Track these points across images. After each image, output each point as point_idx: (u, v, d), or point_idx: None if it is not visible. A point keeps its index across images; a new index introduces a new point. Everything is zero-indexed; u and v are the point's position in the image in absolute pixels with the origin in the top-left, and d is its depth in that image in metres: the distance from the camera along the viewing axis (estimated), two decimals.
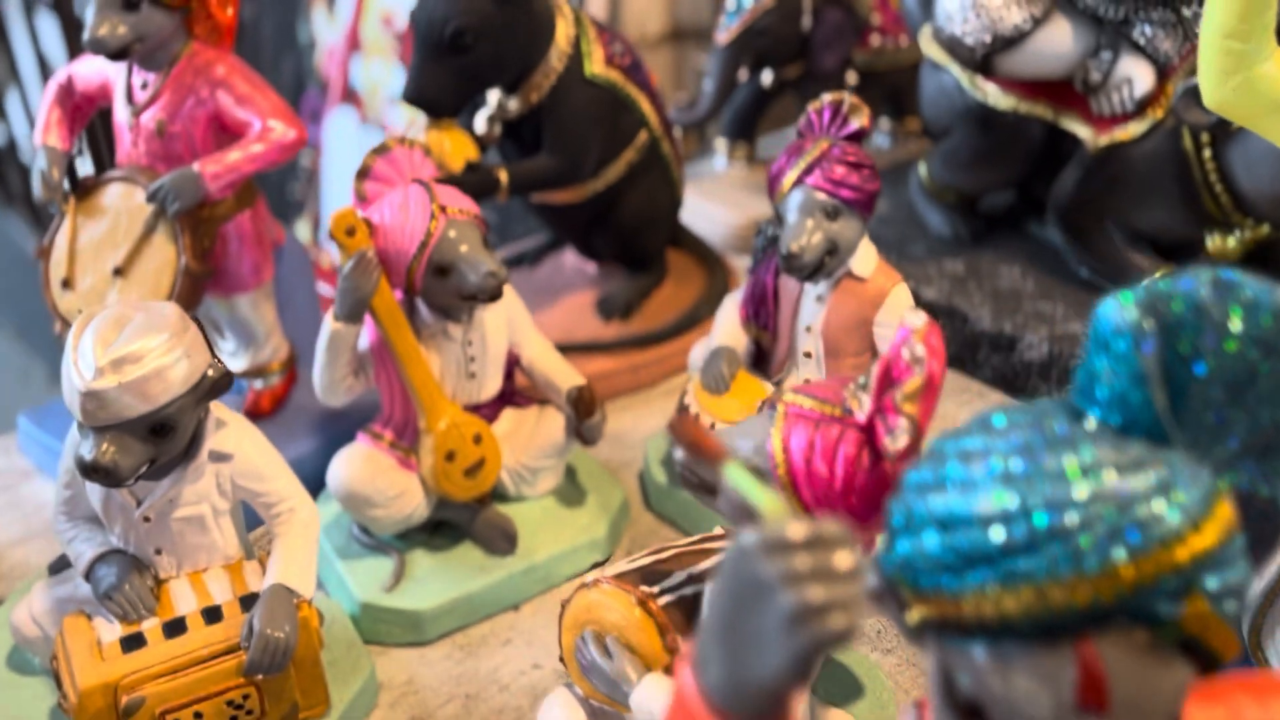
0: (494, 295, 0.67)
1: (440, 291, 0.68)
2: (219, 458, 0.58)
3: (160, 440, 0.55)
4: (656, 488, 0.79)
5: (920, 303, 0.96)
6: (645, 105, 0.89)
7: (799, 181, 0.71)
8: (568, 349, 0.90)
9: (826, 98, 0.73)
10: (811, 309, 0.75)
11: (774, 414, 0.49)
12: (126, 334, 0.54)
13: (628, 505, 0.78)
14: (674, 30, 1.76)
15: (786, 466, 0.47)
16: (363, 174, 0.68)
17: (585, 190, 0.90)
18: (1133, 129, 0.86)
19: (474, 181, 0.81)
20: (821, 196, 0.71)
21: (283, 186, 2.10)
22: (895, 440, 0.44)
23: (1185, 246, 0.94)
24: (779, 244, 0.72)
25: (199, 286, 0.74)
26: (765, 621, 0.30)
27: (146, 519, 0.58)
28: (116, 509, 0.59)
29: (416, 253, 0.66)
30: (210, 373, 0.56)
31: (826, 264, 0.72)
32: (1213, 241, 0.88)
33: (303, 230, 2.07)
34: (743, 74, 1.12)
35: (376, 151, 0.69)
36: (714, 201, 1.17)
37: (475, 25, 0.78)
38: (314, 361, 0.69)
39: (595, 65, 0.85)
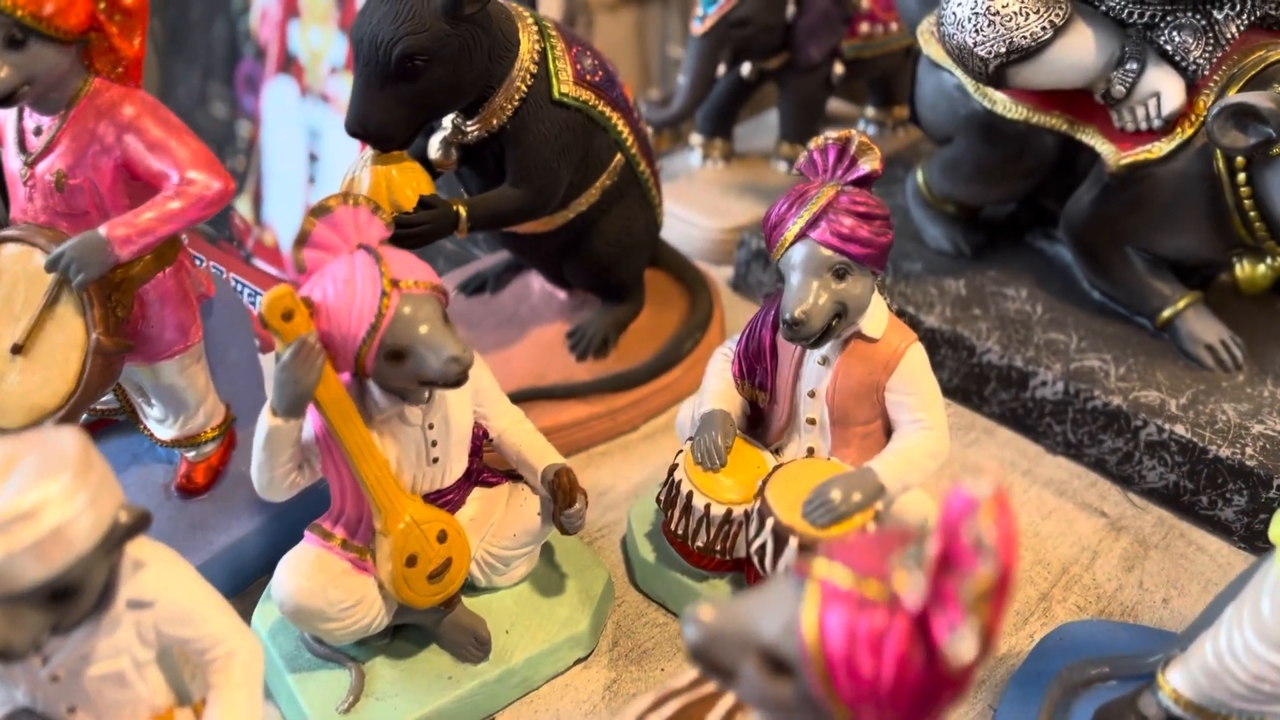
0: (457, 382, 0.58)
1: (395, 376, 0.59)
2: (138, 605, 0.49)
3: (63, 605, 0.46)
4: (643, 565, 0.71)
5: (921, 332, 0.88)
6: (620, 125, 0.79)
7: (802, 235, 0.63)
8: (537, 395, 0.82)
9: (830, 136, 0.64)
10: (815, 372, 0.67)
11: (803, 586, 0.41)
12: (15, 482, 0.44)
13: (612, 587, 0.70)
14: None
15: (822, 655, 0.39)
16: (301, 241, 0.58)
17: (555, 220, 0.81)
18: (1159, 148, 0.78)
19: (428, 220, 0.71)
20: (828, 253, 0.62)
21: (221, 162, 1.97)
22: (959, 646, 0.36)
23: (1210, 269, 0.86)
24: (780, 306, 0.64)
25: (114, 365, 0.64)
26: None
27: (55, 678, 0.50)
28: (19, 668, 0.50)
29: (366, 337, 0.57)
30: (123, 518, 0.47)
31: (834, 328, 0.63)
32: (1241, 268, 0.81)
33: (243, 206, 1.95)
34: (720, 68, 1.03)
35: (315, 213, 0.59)
36: (690, 205, 1.08)
37: (426, 47, 0.68)
38: (252, 456, 0.60)
39: (564, 84, 0.75)
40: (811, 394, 0.67)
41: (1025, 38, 0.76)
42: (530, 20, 0.75)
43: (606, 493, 0.80)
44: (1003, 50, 0.76)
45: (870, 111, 1.18)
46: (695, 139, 1.12)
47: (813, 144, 0.65)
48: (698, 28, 1.01)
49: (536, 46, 0.74)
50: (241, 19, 1.86)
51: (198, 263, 0.72)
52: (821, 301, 0.62)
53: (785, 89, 1.08)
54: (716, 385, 0.70)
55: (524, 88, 0.73)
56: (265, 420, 0.58)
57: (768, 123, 1.21)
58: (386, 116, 0.70)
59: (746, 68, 1.06)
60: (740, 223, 1.05)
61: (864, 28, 1.05)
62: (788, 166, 1.11)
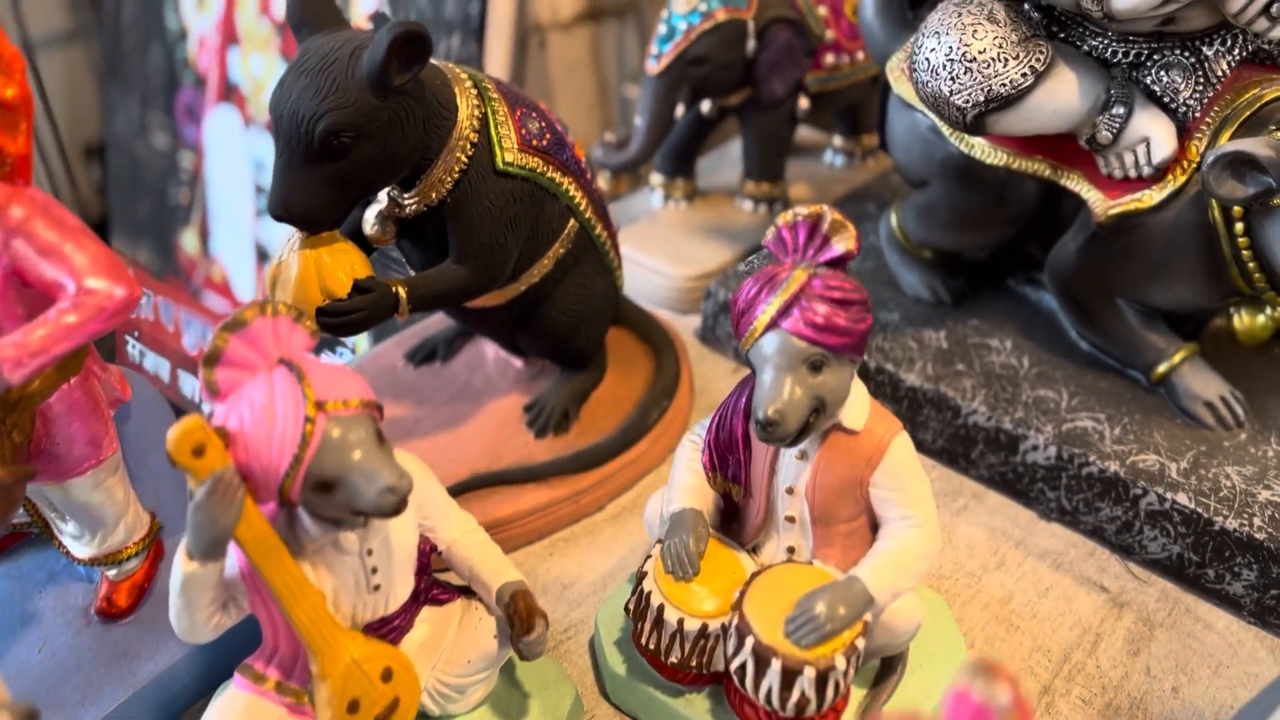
0: (394, 512, 0.52)
1: (325, 506, 0.52)
2: None
3: None
4: (613, 676, 0.65)
5: (902, 391, 0.83)
6: (572, 190, 0.73)
7: (773, 324, 0.57)
8: (493, 481, 0.76)
9: (800, 212, 0.58)
10: (793, 467, 0.61)
11: None
12: None
13: (580, 703, 0.65)
14: (590, 9, 1.58)
15: None
16: (212, 360, 0.52)
17: (505, 293, 0.74)
18: (1150, 196, 0.73)
19: (364, 306, 0.65)
20: (802, 345, 0.56)
21: (164, 193, 1.89)
22: None
23: (1205, 314, 0.82)
24: (752, 404, 0.58)
25: (14, 494, 0.58)
26: None
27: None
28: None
29: (289, 469, 0.50)
30: None
31: (812, 425, 0.58)
32: (1239, 319, 0.76)
33: (190, 240, 1.87)
34: (679, 109, 0.97)
35: (229, 328, 0.52)
36: (652, 251, 1.02)
37: (352, 123, 0.61)
38: (170, 600, 0.54)
39: (508, 153, 0.68)
40: (789, 490, 0.61)
41: (1005, 85, 0.70)
42: (469, 83, 0.68)
43: (572, 586, 0.74)
44: (981, 99, 0.71)
45: (838, 141, 1.13)
46: (655, 179, 1.06)
47: (781, 220, 0.59)
48: (652, 67, 0.95)
49: (476, 112, 0.68)
50: (179, 46, 1.78)
51: (134, 340, 0.65)
52: (797, 398, 0.56)
53: (748, 125, 1.02)
54: (686, 479, 0.64)
55: (464, 158, 0.67)
56: (180, 564, 0.52)
57: (732, 155, 1.15)
58: (312, 198, 0.63)
59: (707, 105, 1.00)
60: (706, 269, 0.99)
61: (829, 59, 1.00)
62: (753, 205, 1.05)
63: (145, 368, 1.95)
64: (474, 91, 0.68)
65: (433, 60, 0.68)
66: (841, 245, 0.58)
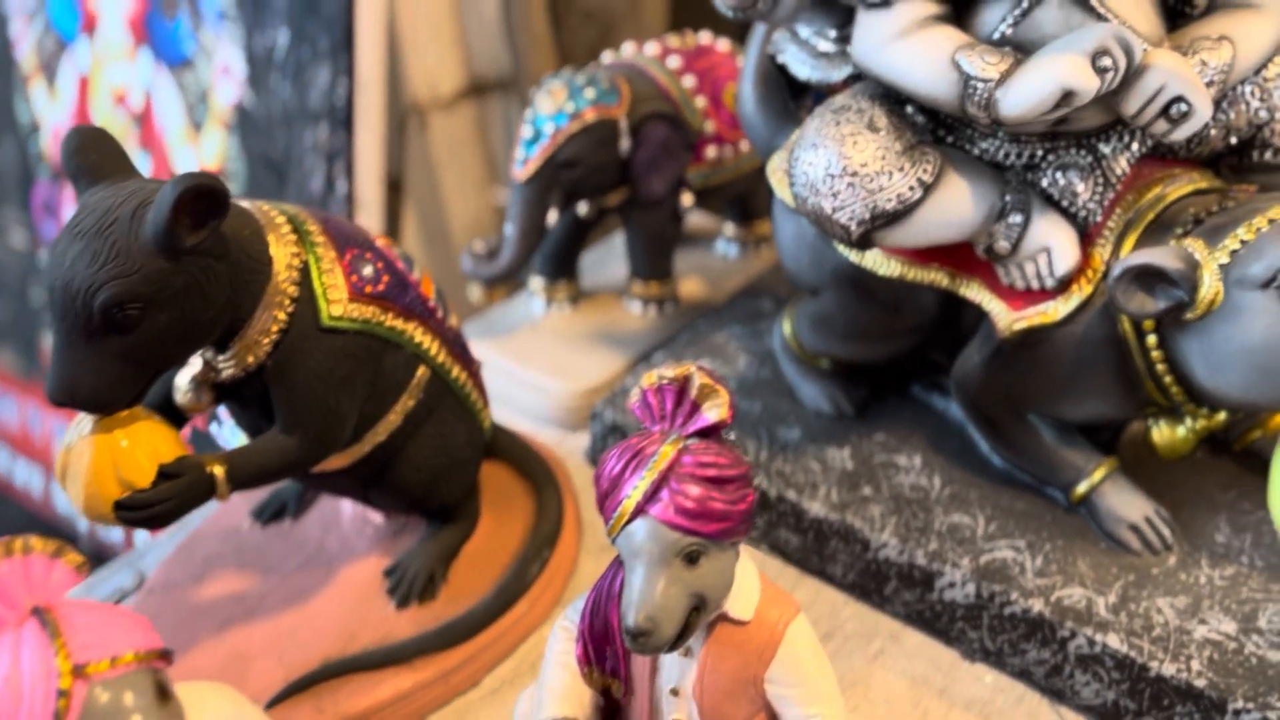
0: None
1: None
2: None
3: None
4: None
5: (806, 522, 0.76)
6: (419, 334, 0.65)
7: (640, 510, 0.49)
8: (346, 669, 0.66)
9: (665, 375, 0.51)
10: (676, 666, 0.53)
11: None
12: None
13: None
14: (472, 85, 1.51)
15: None
16: None
17: (349, 455, 0.65)
18: (1055, 309, 0.67)
19: (170, 495, 0.56)
20: (675, 535, 0.48)
21: (25, 294, 1.77)
22: None
23: (1122, 424, 0.76)
24: (621, 607, 0.50)
25: None
26: None
27: None
28: None
29: None
30: None
31: (692, 624, 0.50)
32: (1159, 432, 0.70)
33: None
34: (551, 214, 0.89)
35: None
36: (534, 365, 0.93)
37: (139, 292, 0.52)
38: None
39: (335, 305, 0.60)
40: (674, 692, 0.53)
41: (891, 200, 0.64)
42: (286, 228, 0.60)
43: None
44: (866, 216, 0.64)
45: (729, 230, 1.06)
46: (536, 283, 0.98)
47: (646, 383, 0.52)
48: (519, 173, 0.87)
49: (295, 261, 0.59)
50: (31, 139, 1.66)
51: None
52: (671, 600, 0.48)
53: (630, 225, 0.95)
54: (557, 679, 0.55)
55: (283, 315, 0.58)
56: None
57: (618, 250, 1.07)
58: (100, 378, 0.54)
59: (584, 207, 0.93)
60: (594, 382, 0.91)
61: (710, 152, 0.93)
62: (642, 306, 0.98)
63: (14, 481, 1.79)
64: (292, 237, 0.59)
65: (243, 203, 0.59)
66: (713, 413, 0.50)
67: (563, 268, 0.97)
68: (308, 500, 0.78)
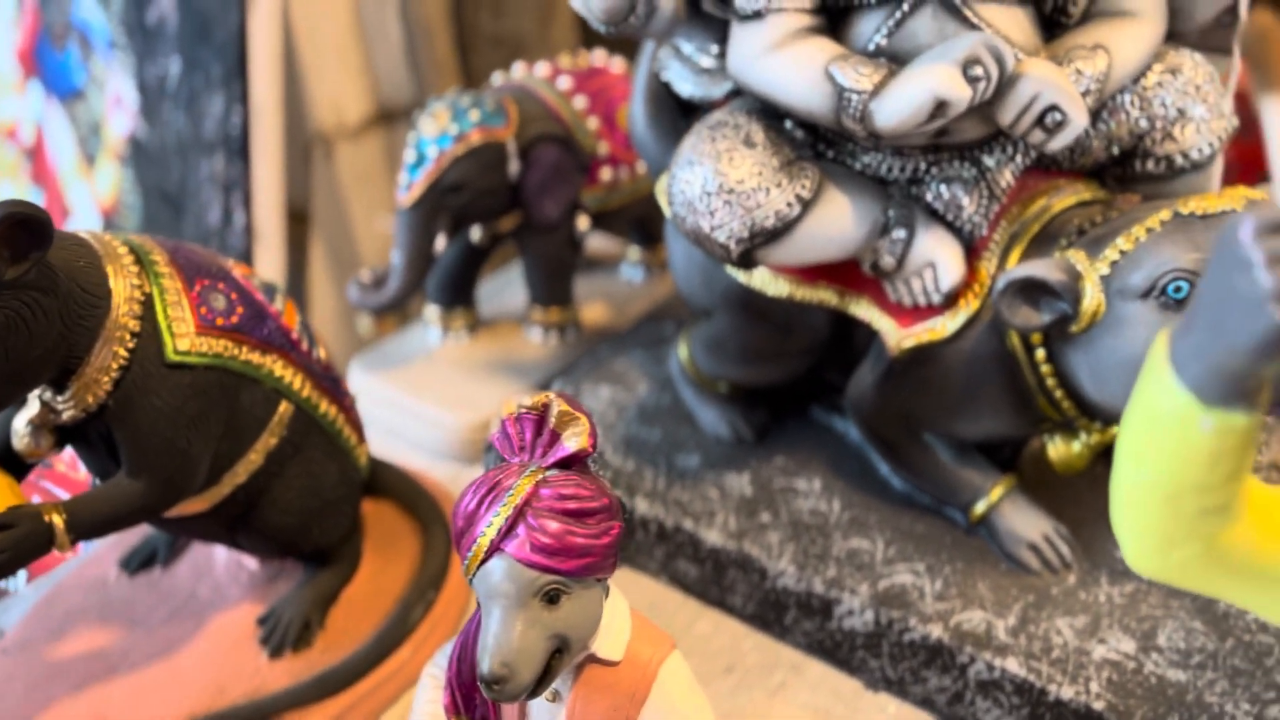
0: None
1: None
2: None
3: None
4: None
5: (703, 552, 0.73)
6: (278, 368, 0.61)
7: (496, 548, 0.46)
8: None
9: (524, 404, 0.48)
10: (545, 712, 0.50)
11: None
12: None
13: None
14: (380, 113, 1.48)
15: None
16: None
17: (207, 499, 0.62)
18: (943, 326, 0.66)
19: (9, 545, 0.52)
20: (533, 574, 0.45)
21: None
22: None
23: (1020, 442, 0.74)
24: (477, 653, 0.47)
25: None
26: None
27: None
28: None
29: None
30: None
31: (554, 669, 0.47)
32: (1054, 447, 0.68)
33: None
34: (440, 240, 0.86)
35: None
36: (428, 398, 0.90)
37: None
38: None
39: (181, 340, 0.56)
40: None
41: (769, 217, 0.62)
42: (128, 258, 0.56)
43: None
44: (745, 234, 0.62)
45: (633, 254, 1.04)
46: (431, 312, 0.95)
47: (505, 412, 0.49)
48: (403, 198, 0.84)
49: (137, 294, 0.55)
50: None
51: None
52: (529, 644, 0.45)
53: (526, 251, 0.92)
54: None
55: (123, 352, 0.54)
56: None
57: (519, 276, 1.05)
58: None
59: (477, 232, 0.90)
60: (490, 413, 0.88)
61: (605, 174, 0.91)
62: (543, 333, 0.95)
63: None
64: (135, 269, 0.56)
65: (81, 233, 0.56)
66: (574, 442, 0.47)
67: (458, 295, 0.94)
68: (180, 547, 0.73)
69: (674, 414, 0.83)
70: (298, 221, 1.46)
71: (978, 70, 0.57)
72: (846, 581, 0.69)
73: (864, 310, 0.69)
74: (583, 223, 0.91)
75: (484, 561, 0.46)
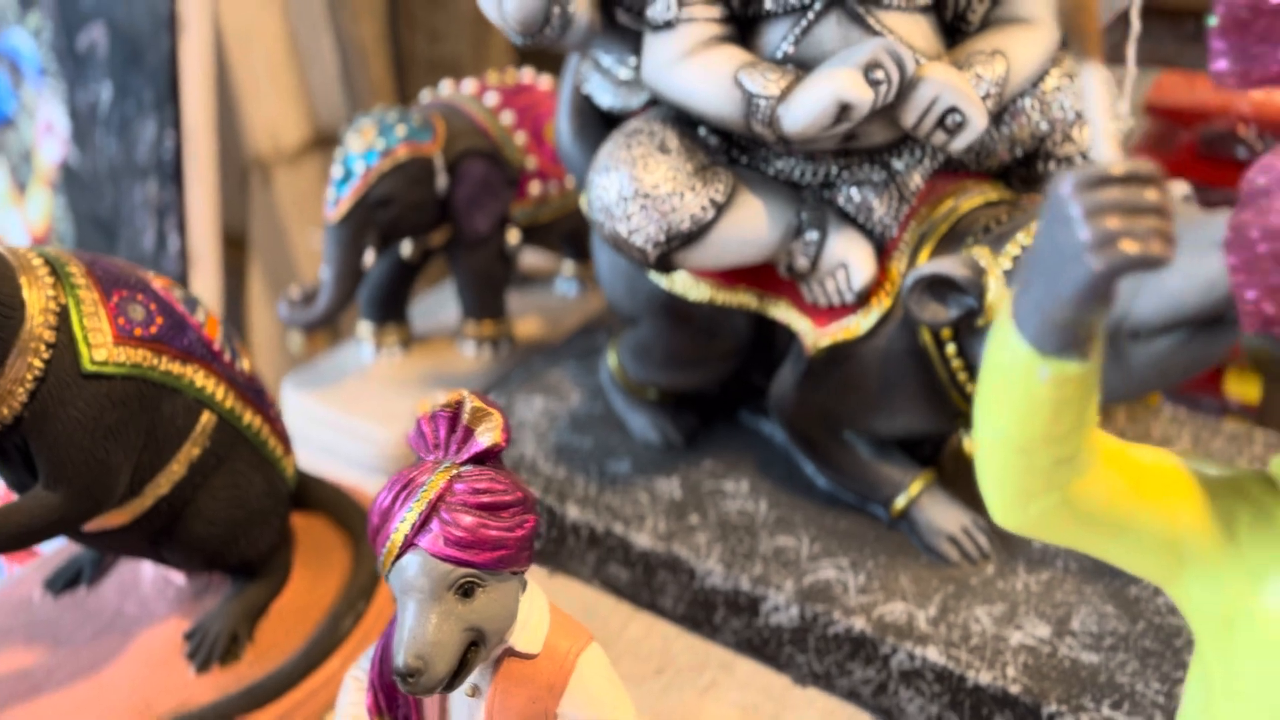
0: None
1: None
2: None
3: None
4: None
5: (634, 555, 0.74)
6: (200, 378, 0.61)
7: (410, 543, 0.47)
8: None
9: (439, 401, 0.49)
10: (464, 707, 0.50)
11: None
12: None
13: None
14: (317, 137, 1.48)
15: None
16: None
17: (129, 511, 0.61)
18: (857, 325, 0.67)
19: None
20: (447, 567, 0.46)
21: None
22: None
23: (941, 438, 0.76)
24: (391, 651, 0.47)
25: None
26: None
27: None
28: None
29: None
30: None
31: (470, 661, 0.47)
32: (970, 442, 0.70)
33: None
34: (369, 255, 0.87)
35: None
36: (361, 413, 0.90)
37: None
38: None
39: (98, 349, 0.56)
40: None
41: (684, 221, 0.63)
42: (43, 270, 0.56)
43: None
44: (661, 238, 0.63)
45: (568, 268, 1.05)
46: (364, 328, 0.95)
47: (419, 411, 0.50)
48: (331, 214, 0.85)
49: (53, 305, 0.55)
50: None
51: None
52: (445, 637, 0.46)
53: (457, 265, 0.93)
54: None
55: (38, 363, 0.54)
56: None
57: (452, 291, 1.05)
58: None
59: (407, 247, 0.91)
60: None
61: (534, 188, 0.92)
62: (476, 346, 0.96)
63: None
64: (50, 280, 0.56)
65: None
66: (486, 437, 0.48)
67: (391, 311, 0.95)
68: (106, 565, 0.73)
69: (605, 422, 0.84)
70: (235, 247, 1.46)
71: (879, 74, 0.59)
72: (772, 578, 0.70)
73: (783, 312, 0.71)
74: (513, 236, 0.93)
75: (399, 557, 0.47)
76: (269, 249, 1.50)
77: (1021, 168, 0.70)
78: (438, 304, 1.04)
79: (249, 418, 0.65)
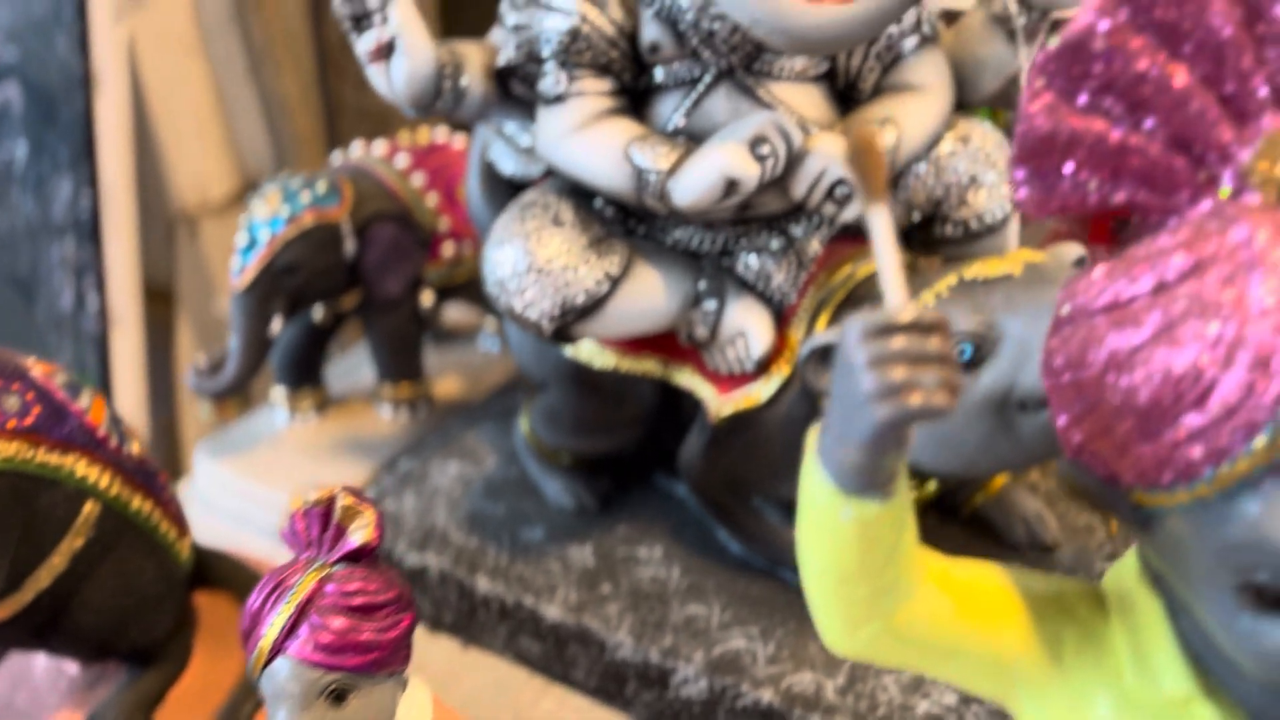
0: None
1: None
2: None
3: None
4: None
5: (544, 629, 0.73)
6: (82, 467, 0.60)
7: (279, 649, 0.45)
8: None
9: (311, 497, 0.48)
10: None
11: None
12: None
13: None
14: (245, 187, 1.47)
15: None
16: None
17: (8, 607, 0.59)
18: (759, 393, 0.67)
19: None
20: (317, 673, 0.45)
21: None
22: None
23: None
24: None
25: None
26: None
27: None
28: None
29: None
30: None
31: None
32: None
33: None
34: (277, 323, 0.85)
35: None
36: (273, 483, 0.88)
37: None
38: None
39: None
40: None
41: (579, 295, 0.63)
42: None
43: None
44: (556, 312, 0.63)
45: (490, 324, 1.04)
46: (277, 393, 0.94)
47: (292, 507, 0.48)
48: (236, 282, 0.83)
49: None
50: None
51: None
52: None
53: (371, 328, 0.92)
54: None
55: None
56: None
57: (362, 356, 1.04)
58: None
59: (319, 311, 0.89)
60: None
61: (447, 250, 0.91)
62: (393, 409, 0.94)
63: None
64: None
65: None
66: (359, 536, 0.47)
67: (304, 375, 0.93)
68: None
69: (520, 487, 0.83)
70: (162, 301, 1.44)
71: (765, 149, 0.59)
72: (682, 650, 0.69)
73: (687, 379, 0.71)
74: (426, 298, 0.92)
75: (268, 662, 0.46)
76: (197, 302, 1.47)
77: (919, 230, 0.71)
78: (354, 365, 1.02)
79: (138, 503, 0.63)
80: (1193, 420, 0.28)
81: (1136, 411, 0.29)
